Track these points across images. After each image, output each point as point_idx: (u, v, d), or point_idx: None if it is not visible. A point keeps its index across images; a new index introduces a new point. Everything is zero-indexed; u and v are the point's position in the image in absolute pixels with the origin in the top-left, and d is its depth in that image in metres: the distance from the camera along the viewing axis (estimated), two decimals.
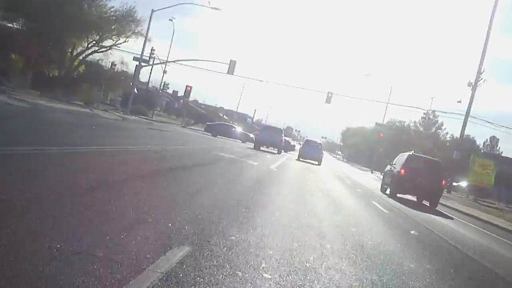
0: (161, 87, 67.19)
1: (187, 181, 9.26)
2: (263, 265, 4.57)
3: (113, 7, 38.60)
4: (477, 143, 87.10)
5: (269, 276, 4.26)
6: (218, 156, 18.89)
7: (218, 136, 47.53)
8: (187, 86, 60.42)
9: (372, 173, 55.49)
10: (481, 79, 42.72)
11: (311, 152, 37.53)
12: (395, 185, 19.13)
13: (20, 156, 7.71)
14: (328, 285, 4.44)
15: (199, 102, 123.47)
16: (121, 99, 66.93)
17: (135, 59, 47.57)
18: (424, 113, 56.67)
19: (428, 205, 18.63)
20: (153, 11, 43.98)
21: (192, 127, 67.53)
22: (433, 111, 60.13)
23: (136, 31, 39.46)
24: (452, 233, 11.83)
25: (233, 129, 53.30)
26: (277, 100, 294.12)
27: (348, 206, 12.06)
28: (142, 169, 9.44)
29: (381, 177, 25.12)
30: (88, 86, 45.83)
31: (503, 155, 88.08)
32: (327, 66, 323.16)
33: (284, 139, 45.78)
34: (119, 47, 41.23)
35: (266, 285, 4.03)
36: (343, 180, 24.54)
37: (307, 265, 4.98)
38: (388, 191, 20.66)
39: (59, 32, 34.86)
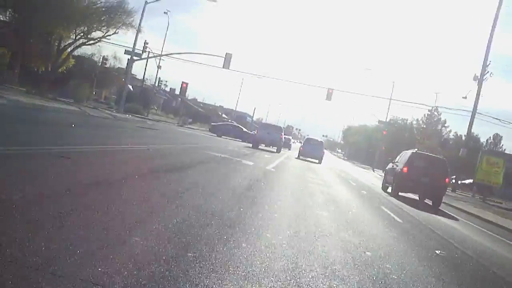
0: (156, 83, 65.16)
1: (154, 191, 7.41)
2: None
3: None
4: (481, 140, 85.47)
5: None
6: (208, 155, 17.05)
7: (223, 136, 45.48)
8: (183, 82, 58.40)
9: (373, 171, 53.83)
10: (487, 72, 41.07)
11: (312, 150, 36.45)
12: (397, 184, 18.57)
13: None
14: None
15: (198, 100, 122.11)
16: (116, 97, 65.08)
17: (126, 52, 45.67)
18: (428, 110, 54.42)
19: (431, 204, 18.14)
20: (146, 2, 42.15)
21: (189, 126, 65.74)
22: (436, 108, 57.91)
23: (127, 22, 37.50)
24: (487, 252, 9.98)
25: (238, 129, 51.26)
26: (277, 99, 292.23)
27: (357, 215, 10.19)
28: (102, 175, 7.60)
29: (383, 175, 24.46)
30: (78, 82, 43.94)
31: (506, 152, 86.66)
32: (328, 62, 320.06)
33: (284, 137, 44.10)
34: (109, 39, 39.29)
35: None
36: (347, 180, 22.70)
37: None
38: (389, 189, 20.01)
39: (45, 23, 32.99)
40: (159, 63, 59.75)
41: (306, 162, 31.03)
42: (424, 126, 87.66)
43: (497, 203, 35.69)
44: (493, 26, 39.51)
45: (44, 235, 3.87)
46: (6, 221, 4.06)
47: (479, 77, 41.14)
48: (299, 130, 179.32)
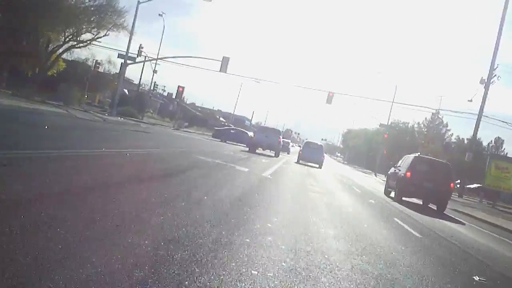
0: (152, 87, 63.49)
1: (109, 209, 5.72)
2: None
3: None
4: (483, 144, 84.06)
5: None
6: (198, 161, 15.36)
7: (227, 141, 43.93)
8: (179, 86, 57.01)
9: (376, 176, 52.19)
10: (495, 75, 39.71)
11: (311, 154, 35.01)
12: (400, 189, 18.08)
13: None
14: None
15: (196, 105, 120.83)
16: (111, 100, 63.40)
17: (120, 56, 44.08)
18: (432, 113, 52.80)
19: (436, 208, 17.77)
20: (139, 2, 40.58)
21: (186, 129, 64.11)
22: (438, 111, 56.23)
23: (118, 23, 35.90)
24: None
25: (243, 133, 49.80)
26: (276, 102, 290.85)
27: (370, 233, 8.46)
28: (32, 190, 5.89)
29: (386, 180, 23.57)
30: (69, 86, 42.32)
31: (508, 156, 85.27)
32: (328, 65, 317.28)
33: (283, 141, 42.52)
34: (100, 41, 37.66)
35: None
36: (350, 187, 20.99)
37: None
38: (392, 194, 19.49)
39: (32, 25, 31.40)
40: (155, 67, 58.20)
41: (305, 167, 29.35)
42: (426, 130, 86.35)
43: (506, 209, 34.15)
44: (500, 28, 38.11)
45: None
46: None
47: (486, 80, 39.79)
48: (298, 133, 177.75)
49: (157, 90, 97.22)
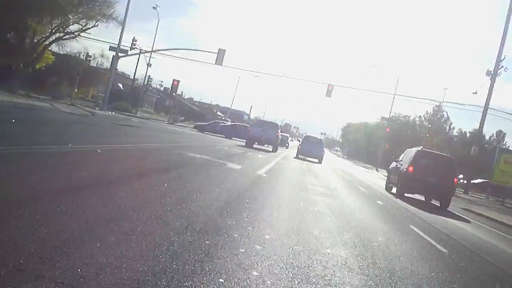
0: (146, 81, 61.63)
1: (56, 224, 3.99)
2: None
3: None
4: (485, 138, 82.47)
5: None
6: (184, 157, 13.62)
7: (205, 132, 43.68)
8: (174, 80, 55.02)
9: (377, 171, 50.54)
10: (502, 66, 38.09)
11: (311, 149, 33.44)
12: (402, 184, 17.37)
13: None
14: None
15: (194, 99, 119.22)
16: (104, 95, 61.50)
17: (111, 49, 42.31)
18: (436, 106, 51.07)
19: (439, 205, 17.20)
20: None
21: (181, 124, 62.37)
22: (441, 103, 54.39)
23: (107, 13, 33.93)
24: None
25: (222, 124, 49.22)
26: (275, 97, 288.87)
27: (388, 250, 6.73)
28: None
29: (387, 175, 22.39)
30: (58, 80, 40.54)
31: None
32: (328, 58, 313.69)
33: (281, 135, 40.84)
34: (89, 33, 35.72)
35: None
36: (354, 185, 19.26)
37: None
38: (394, 190, 18.81)
39: (17, 16, 29.48)
40: (149, 60, 56.22)
41: (305, 162, 27.63)
42: (429, 124, 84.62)
43: None
44: (508, 18, 36.32)
45: None
46: None
47: (492, 72, 38.17)
48: (297, 128, 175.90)
49: (153, 85, 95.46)
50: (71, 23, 33.46)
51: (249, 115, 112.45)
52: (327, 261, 5.10)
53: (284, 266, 4.47)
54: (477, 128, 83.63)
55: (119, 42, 41.24)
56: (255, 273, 4.04)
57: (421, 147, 21.92)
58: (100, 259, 3.50)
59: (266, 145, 34.08)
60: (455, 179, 17.54)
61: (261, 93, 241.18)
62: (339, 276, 4.60)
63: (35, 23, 31.20)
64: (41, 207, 4.67)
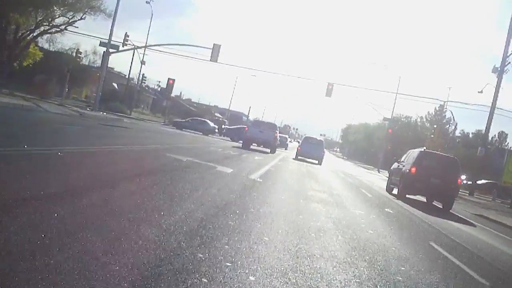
0: (140, 79, 59.94)
1: None
2: None
3: None
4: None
5: None
6: (168, 161, 11.96)
7: (183, 129, 43.12)
8: (169, 79, 53.20)
9: (379, 172, 48.94)
10: (508, 63, 36.57)
11: (311, 150, 32.17)
12: (404, 185, 16.92)
13: None
14: None
15: (193, 101, 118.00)
16: (96, 95, 59.74)
17: (101, 44, 40.52)
18: (440, 105, 49.49)
19: (442, 206, 16.75)
20: None
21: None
22: (444, 103, 52.65)
23: (95, 5, 32.22)
24: None
25: (200, 122, 48.36)
26: (274, 97, 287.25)
27: (411, 282, 5.07)
28: None
29: (388, 176, 21.69)
30: (45, 78, 38.86)
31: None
32: (328, 56, 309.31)
33: (280, 135, 39.28)
34: (76, 26, 34.01)
35: None
36: (358, 189, 17.60)
37: None
38: (395, 191, 18.37)
39: None
40: (142, 58, 54.55)
41: (304, 164, 25.99)
42: (428, 125, 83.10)
43: None
44: None
45: None
46: None
47: (499, 69, 36.67)
48: (297, 129, 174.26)
49: (150, 86, 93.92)
50: (57, 16, 31.74)
51: (247, 116, 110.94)
52: None
53: None
54: (480, 129, 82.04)
55: (110, 37, 39.43)
56: None
57: (424, 147, 21.06)
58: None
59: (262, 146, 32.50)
60: (459, 180, 17.13)
61: (260, 94, 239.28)
62: None
63: (18, 15, 29.50)
64: None
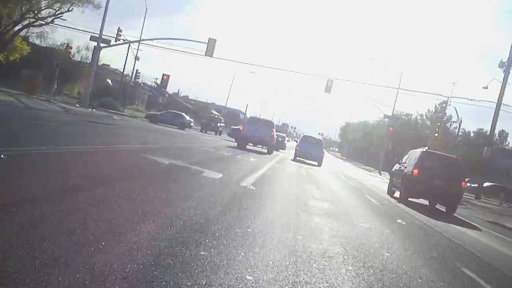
0: (134, 76, 58.20)
1: None
2: None
3: None
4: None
5: None
6: (144, 164, 10.35)
7: (158, 123, 41.62)
8: (163, 74, 51.65)
9: (380, 174, 47.30)
10: None
11: (310, 150, 30.57)
12: (406, 188, 16.21)
13: None
14: None
15: (190, 98, 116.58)
16: (91, 91, 57.97)
17: (92, 39, 38.86)
18: (439, 103, 47.91)
19: (445, 210, 16.14)
20: None
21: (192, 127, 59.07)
22: (448, 99, 50.91)
23: None
24: None
25: (176, 115, 46.81)
26: (272, 95, 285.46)
27: None
28: None
29: (390, 178, 20.87)
30: (32, 73, 37.13)
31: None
32: (327, 53, 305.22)
33: (277, 134, 37.68)
34: (64, 19, 32.27)
35: None
36: (363, 195, 16.00)
37: None
38: (397, 194, 17.63)
39: None
40: (136, 53, 52.81)
41: (303, 166, 24.40)
42: (429, 123, 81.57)
43: None
44: None
45: None
46: None
47: (506, 63, 35.24)
48: (295, 128, 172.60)
49: (147, 82, 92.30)
50: (43, 7, 29.99)
51: (245, 113, 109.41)
52: None
53: None
54: (481, 127, 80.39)
55: (101, 31, 37.77)
56: None
57: (427, 147, 20.07)
58: None
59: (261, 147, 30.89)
60: (464, 182, 16.43)
61: (258, 92, 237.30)
62: None
63: (1, 7, 27.77)
64: None
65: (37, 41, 50.22)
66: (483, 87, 40.49)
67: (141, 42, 44.61)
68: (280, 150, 40.75)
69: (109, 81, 70.59)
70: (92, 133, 16.88)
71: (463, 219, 15.51)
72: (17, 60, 36.22)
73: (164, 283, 3.38)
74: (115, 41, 42.17)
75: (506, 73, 35.29)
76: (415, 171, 15.79)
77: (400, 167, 18.06)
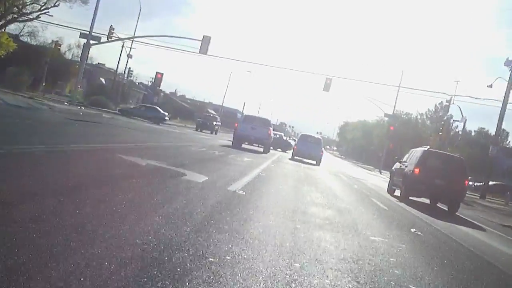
0: (126, 74, 56.59)
1: None
2: None
3: None
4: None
5: None
6: (116, 166, 8.79)
7: (132, 117, 40.42)
8: (157, 73, 49.97)
9: (381, 173, 45.92)
10: None
11: (308, 149, 29.63)
12: (407, 187, 16.16)
13: None
14: None
15: (187, 97, 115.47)
16: (84, 90, 56.40)
17: (82, 35, 37.35)
18: (441, 102, 46.41)
19: (447, 209, 15.99)
20: None
21: (167, 122, 57.50)
22: (449, 99, 49.39)
23: None
24: None
25: (149, 109, 45.36)
26: (269, 94, 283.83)
27: None
28: None
29: (390, 177, 20.48)
30: (18, 70, 35.56)
31: None
32: (325, 50, 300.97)
33: (274, 133, 36.18)
34: (50, 15, 30.65)
35: None
36: (369, 198, 14.47)
37: None
38: (397, 193, 17.52)
39: None
40: (129, 51, 51.26)
41: (302, 165, 22.87)
42: (429, 122, 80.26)
43: None
44: None
45: None
46: None
47: None
48: (293, 127, 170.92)
49: (142, 81, 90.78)
50: (28, 2, 28.36)
51: (242, 113, 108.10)
52: None
53: None
54: (482, 126, 79.04)
55: (91, 28, 36.30)
56: None
57: (428, 146, 19.76)
58: None
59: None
60: (466, 182, 16.35)
61: (255, 91, 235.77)
62: None
63: None
64: None
65: (28, 40, 48.68)
66: (488, 86, 39.54)
67: (134, 39, 43.04)
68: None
69: (103, 80, 68.97)
70: (68, 131, 15.30)
71: (479, 224, 14.03)
72: (2, 57, 34.65)
73: None
74: (107, 39, 40.60)
75: None
76: (417, 170, 15.66)
77: (400, 166, 17.88)
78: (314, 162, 28.60)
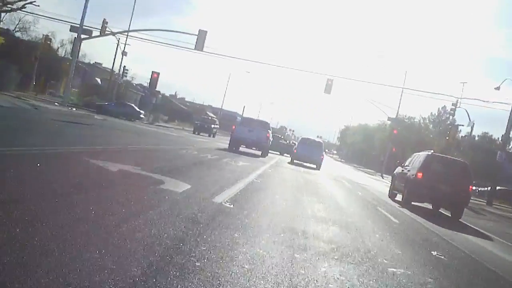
0: (122, 73, 55.12)
1: None
2: None
3: None
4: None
5: None
6: (85, 174, 7.32)
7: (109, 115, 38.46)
8: (153, 72, 48.42)
9: (383, 177, 44.54)
10: None
11: (308, 153, 28.27)
12: (410, 192, 15.83)
13: None
14: None
15: (186, 100, 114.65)
16: (78, 90, 54.91)
17: (72, 29, 35.83)
18: (452, 103, 45.05)
19: (450, 215, 15.64)
20: None
21: (161, 123, 56.18)
22: (456, 102, 47.85)
23: None
24: None
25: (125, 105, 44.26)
26: (269, 97, 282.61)
27: None
28: None
29: (391, 181, 20.45)
30: (6, 66, 34.07)
31: None
32: (326, 51, 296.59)
33: (276, 137, 34.78)
34: (37, 5, 29.17)
35: None
36: (376, 208, 12.95)
37: None
38: (398, 197, 17.39)
39: None
40: (124, 48, 49.81)
41: (301, 169, 21.43)
42: (431, 126, 78.78)
43: None
44: None
45: None
46: None
47: None
48: (293, 131, 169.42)
49: (141, 83, 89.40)
50: None
51: (241, 116, 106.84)
52: None
53: None
54: (486, 131, 77.48)
55: (82, 20, 34.61)
56: None
57: (432, 151, 19.04)
58: None
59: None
60: (471, 187, 15.95)
61: (255, 94, 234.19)
62: None
63: None
64: None
65: (20, 36, 47.28)
66: (495, 88, 38.56)
67: (128, 34, 41.50)
68: (277, 153, 37.98)
69: (98, 80, 67.48)
70: (46, 132, 13.81)
71: (501, 239, 12.55)
72: None
73: None
74: (100, 33, 39.06)
75: None
76: (419, 174, 15.35)
77: (402, 170, 17.55)
78: (314, 166, 27.45)
